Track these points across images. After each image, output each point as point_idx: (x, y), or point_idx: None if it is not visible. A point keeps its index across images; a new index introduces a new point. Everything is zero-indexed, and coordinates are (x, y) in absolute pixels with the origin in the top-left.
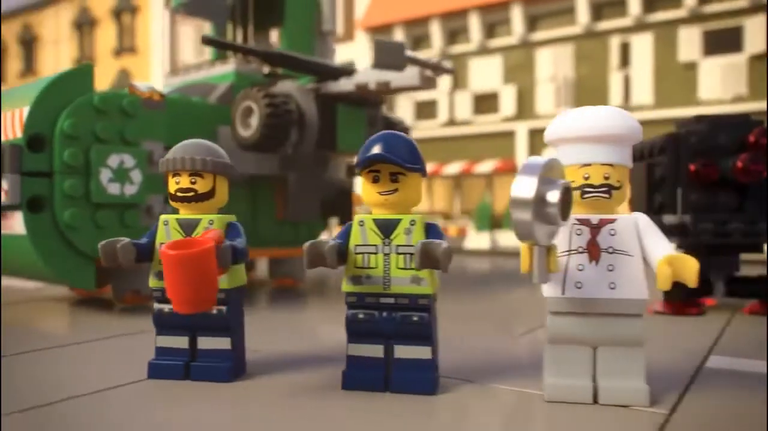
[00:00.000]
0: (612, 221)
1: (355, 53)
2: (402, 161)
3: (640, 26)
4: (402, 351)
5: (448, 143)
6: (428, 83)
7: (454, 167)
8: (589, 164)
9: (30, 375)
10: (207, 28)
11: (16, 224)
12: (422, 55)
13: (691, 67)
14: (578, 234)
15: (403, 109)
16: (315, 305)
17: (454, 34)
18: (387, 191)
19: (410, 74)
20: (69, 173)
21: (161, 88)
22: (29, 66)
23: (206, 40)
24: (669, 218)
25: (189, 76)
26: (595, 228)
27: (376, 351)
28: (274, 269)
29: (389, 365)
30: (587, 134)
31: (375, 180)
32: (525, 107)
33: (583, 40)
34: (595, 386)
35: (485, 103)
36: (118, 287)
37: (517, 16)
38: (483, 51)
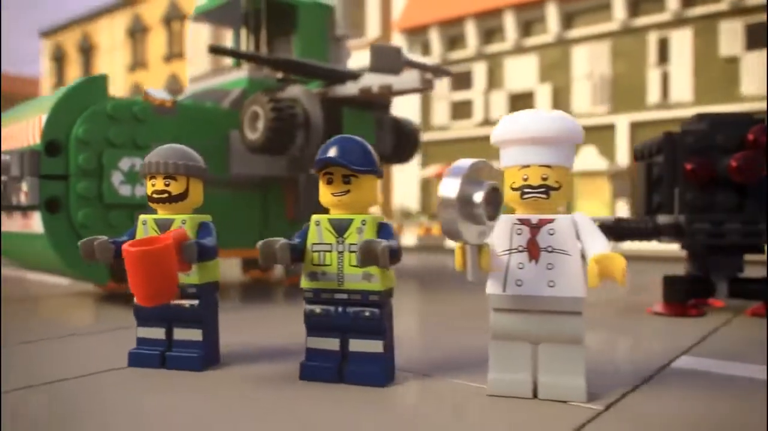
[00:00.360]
0: (551, 220)
1: None
2: (352, 164)
3: (678, 21)
4: (356, 345)
5: (483, 143)
6: (428, 85)
7: None
8: (528, 166)
9: (33, 359)
10: (226, 36)
11: (35, 223)
12: (457, 55)
13: (733, 61)
14: (518, 233)
15: (439, 109)
16: None
17: (490, 34)
18: (339, 191)
19: (411, 78)
20: (83, 176)
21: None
22: (87, 72)
23: (213, 49)
24: (664, 218)
25: (207, 82)
26: (535, 228)
27: (332, 344)
28: (287, 269)
29: (345, 357)
30: (525, 136)
31: (329, 182)
32: (561, 106)
33: (619, 36)
34: (535, 381)
35: (521, 102)
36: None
37: (552, 13)
38: (518, 50)
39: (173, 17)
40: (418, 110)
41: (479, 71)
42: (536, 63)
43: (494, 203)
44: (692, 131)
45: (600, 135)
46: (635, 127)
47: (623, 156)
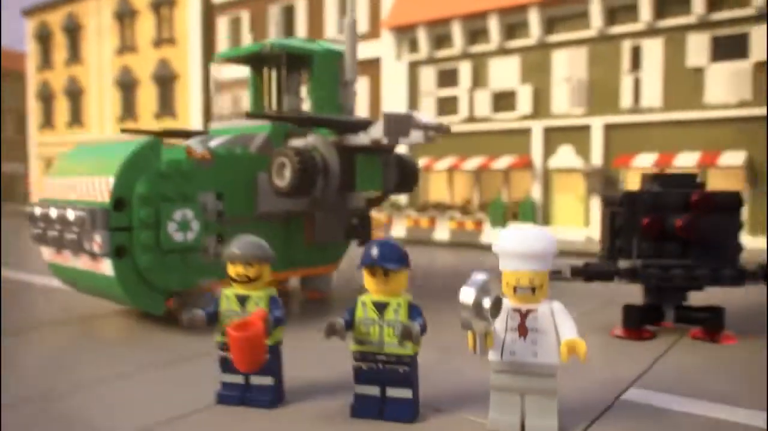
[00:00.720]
0: (535, 309)
1: (380, 50)
2: (390, 264)
3: (650, 31)
4: (392, 392)
5: (468, 139)
6: (429, 140)
7: (473, 162)
8: (520, 271)
9: (119, 400)
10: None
11: (104, 266)
12: (444, 54)
13: (699, 71)
14: (512, 319)
15: (426, 105)
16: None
17: (475, 35)
18: (381, 284)
19: (416, 135)
20: (145, 228)
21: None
22: (74, 55)
23: (250, 115)
24: (624, 263)
25: (231, 123)
26: (524, 315)
27: (374, 391)
28: (305, 283)
29: (383, 400)
30: (518, 252)
31: (372, 274)
32: (541, 106)
33: (596, 43)
34: (523, 421)
35: (503, 101)
36: (182, 311)
37: (534, 18)
38: (502, 51)
39: (162, 2)
40: (405, 104)
41: (464, 70)
42: (518, 64)
43: (497, 307)
44: (648, 192)
45: (576, 135)
46: (609, 128)
47: (597, 156)
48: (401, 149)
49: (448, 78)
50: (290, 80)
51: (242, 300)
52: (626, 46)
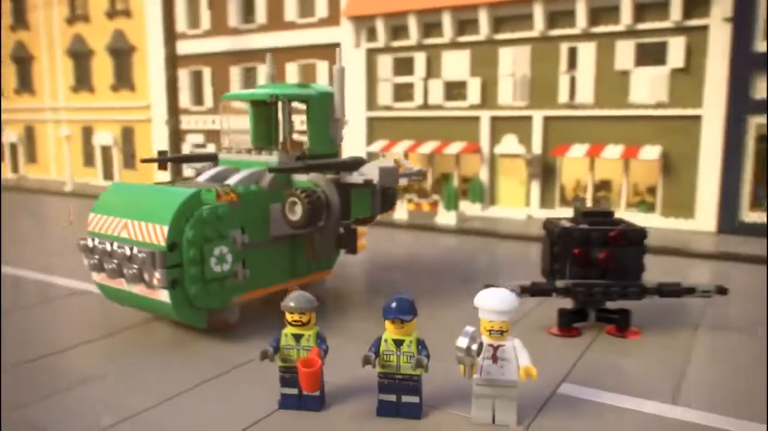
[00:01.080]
0: (503, 345)
1: (339, 36)
2: (405, 317)
3: (585, 36)
4: (405, 398)
5: (423, 124)
6: (413, 181)
7: (428, 146)
8: (494, 321)
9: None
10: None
11: (161, 295)
12: (400, 44)
13: (625, 74)
14: (488, 351)
15: (383, 91)
16: (342, 332)
17: (429, 28)
18: (398, 328)
19: (402, 180)
20: (192, 264)
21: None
22: (19, 20)
23: (272, 170)
24: (560, 282)
25: (240, 156)
26: (495, 348)
27: (392, 398)
28: (303, 287)
29: (399, 404)
30: (494, 309)
31: (392, 322)
32: (488, 97)
33: (538, 43)
34: (494, 415)
35: (455, 91)
36: (214, 316)
37: (483, 17)
38: (454, 45)
39: None
40: (364, 90)
41: (419, 60)
42: (469, 58)
43: (480, 349)
44: (578, 229)
45: (519, 125)
46: (548, 120)
47: (537, 145)
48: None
49: (404, 66)
50: (288, 117)
51: (297, 337)
52: (564, 47)
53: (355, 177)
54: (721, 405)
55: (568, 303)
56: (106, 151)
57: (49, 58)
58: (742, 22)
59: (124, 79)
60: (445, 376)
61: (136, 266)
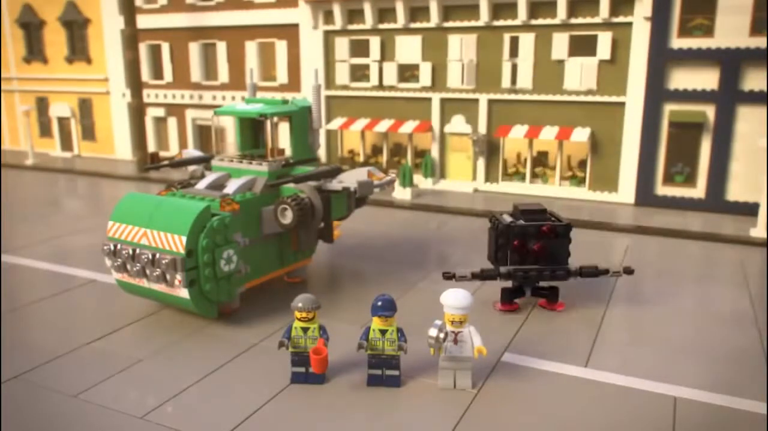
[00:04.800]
0: (462, 331)
1: (298, 17)
2: (388, 313)
3: (525, 27)
4: (388, 372)
5: (378, 103)
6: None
7: (383, 125)
8: (455, 314)
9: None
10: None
11: (181, 292)
12: (356, 27)
13: (560, 63)
14: (451, 336)
15: (340, 71)
16: (332, 313)
17: (383, 13)
18: (383, 321)
19: (375, 190)
20: (206, 266)
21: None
22: None
23: (271, 185)
24: (503, 268)
25: (233, 165)
26: (456, 333)
27: (378, 371)
28: (288, 274)
29: (383, 376)
30: (456, 305)
31: (379, 317)
32: (438, 80)
33: (483, 32)
34: (455, 381)
35: (407, 73)
36: (221, 304)
37: (434, 6)
38: (407, 31)
39: None
40: (323, 70)
41: (374, 43)
42: (420, 43)
43: (445, 337)
44: (518, 225)
45: (467, 107)
46: (492, 103)
47: (483, 125)
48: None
49: (360, 48)
50: (274, 130)
51: (305, 329)
52: (506, 37)
53: (335, 185)
54: (623, 366)
55: (509, 283)
56: (63, 122)
57: None
58: (660, 21)
59: (78, 51)
60: (416, 354)
61: (159, 269)
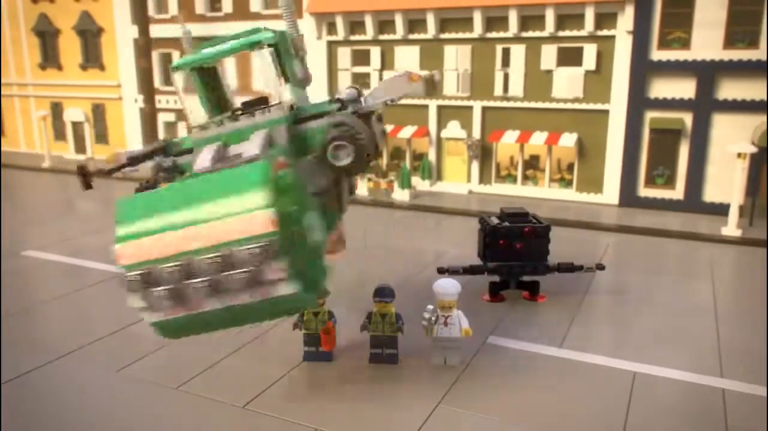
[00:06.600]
0: (451, 315)
1: (302, 29)
2: (387, 299)
3: (516, 39)
4: (387, 350)
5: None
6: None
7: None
8: (445, 300)
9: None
10: None
11: (282, 289)
12: (358, 38)
13: (549, 73)
14: (441, 320)
15: (343, 80)
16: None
17: (383, 25)
18: (383, 307)
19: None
20: (300, 241)
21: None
22: None
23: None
24: (491, 264)
25: (226, 128)
26: (446, 317)
27: (379, 350)
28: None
29: (383, 354)
30: (446, 293)
31: (379, 303)
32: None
33: (477, 43)
34: (445, 359)
35: None
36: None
37: (431, 18)
38: (405, 41)
39: None
40: (325, 78)
41: (375, 53)
42: (418, 53)
43: (437, 320)
44: (503, 226)
45: (462, 113)
46: (485, 110)
47: (477, 130)
48: None
49: (361, 58)
50: (275, 62)
51: (315, 314)
52: (499, 48)
53: (374, 101)
54: (591, 346)
55: (496, 278)
56: (77, 126)
57: (12, 36)
58: (641, 34)
59: (92, 58)
60: (412, 336)
61: (243, 271)
